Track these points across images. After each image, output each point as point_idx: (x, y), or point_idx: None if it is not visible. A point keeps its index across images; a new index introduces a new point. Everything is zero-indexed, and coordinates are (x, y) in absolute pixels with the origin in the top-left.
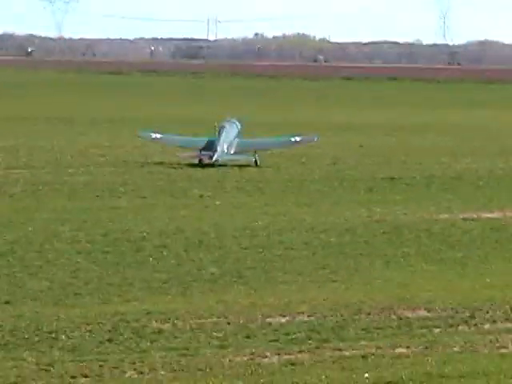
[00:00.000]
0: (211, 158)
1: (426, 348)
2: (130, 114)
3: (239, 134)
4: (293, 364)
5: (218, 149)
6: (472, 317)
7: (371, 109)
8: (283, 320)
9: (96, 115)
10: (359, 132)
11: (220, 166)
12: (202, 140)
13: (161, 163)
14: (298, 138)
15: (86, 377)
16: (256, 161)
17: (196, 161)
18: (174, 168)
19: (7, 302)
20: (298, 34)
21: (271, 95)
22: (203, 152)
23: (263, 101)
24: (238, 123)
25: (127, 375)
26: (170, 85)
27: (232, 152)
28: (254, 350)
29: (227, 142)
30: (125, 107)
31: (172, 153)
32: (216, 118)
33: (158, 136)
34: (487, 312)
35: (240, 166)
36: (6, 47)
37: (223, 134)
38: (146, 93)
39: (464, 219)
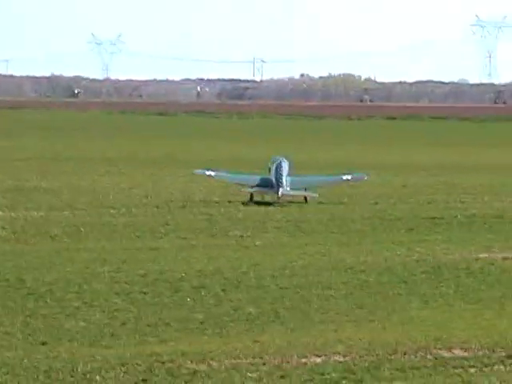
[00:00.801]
0: (277, 193)
1: None
2: (174, 154)
3: (290, 172)
4: None
5: (283, 185)
6: (509, 356)
7: (415, 148)
8: (318, 360)
9: (140, 156)
10: (402, 171)
11: (263, 204)
12: (255, 177)
13: (203, 204)
14: (348, 177)
15: None
16: (306, 198)
17: (248, 197)
18: (216, 209)
19: (43, 343)
20: (344, 73)
21: (317, 135)
22: (262, 189)
23: (308, 141)
24: (286, 161)
25: None
26: (216, 125)
27: (288, 189)
28: None
29: (286, 179)
30: (169, 148)
31: (214, 193)
32: (262, 157)
33: (213, 173)
34: None
35: (282, 205)
36: (53, 89)
37: (282, 171)
38: (192, 133)
39: (504, 258)
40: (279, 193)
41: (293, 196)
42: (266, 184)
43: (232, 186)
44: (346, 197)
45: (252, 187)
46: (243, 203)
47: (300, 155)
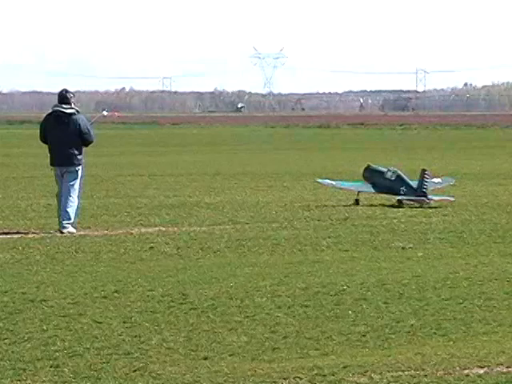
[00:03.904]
0: (426, 199)
1: None
2: (336, 166)
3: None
4: None
5: (424, 191)
6: None
7: None
8: (481, 371)
9: (302, 169)
10: None
11: (424, 215)
12: (368, 185)
13: (365, 216)
14: (439, 180)
15: None
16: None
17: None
18: (378, 221)
19: (205, 358)
20: (508, 82)
21: (479, 145)
22: (404, 197)
23: (468, 151)
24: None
25: None
26: (379, 137)
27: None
28: None
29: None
30: (333, 160)
31: (375, 206)
32: (415, 168)
33: (333, 182)
34: None
35: (443, 216)
36: (216, 104)
37: (405, 178)
38: (354, 146)
39: None
40: (428, 199)
41: (435, 200)
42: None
43: (392, 199)
44: (509, 206)
45: (402, 195)
46: (403, 214)
47: (457, 166)
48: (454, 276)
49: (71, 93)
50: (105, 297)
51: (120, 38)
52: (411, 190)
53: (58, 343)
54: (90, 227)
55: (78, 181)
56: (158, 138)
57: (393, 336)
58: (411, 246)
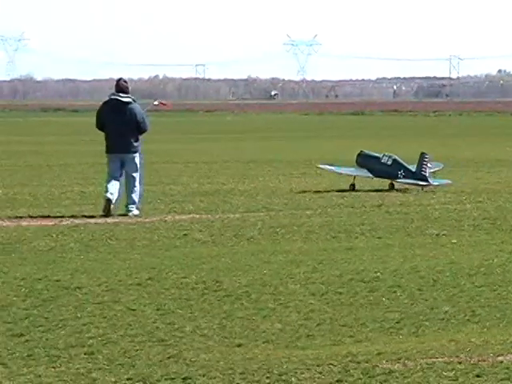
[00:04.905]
0: (427, 184)
1: None
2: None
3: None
4: None
5: (424, 174)
6: None
7: None
8: None
9: (335, 156)
10: None
11: (457, 202)
12: (364, 170)
13: (399, 203)
14: (429, 165)
15: None
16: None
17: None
18: (412, 208)
19: (239, 345)
20: None
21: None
22: (403, 180)
23: (503, 137)
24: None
25: None
26: (412, 124)
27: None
28: None
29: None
30: (365, 147)
31: (409, 192)
32: (449, 155)
33: (333, 168)
34: None
35: (477, 203)
36: (250, 91)
37: (402, 162)
38: (388, 133)
39: None
40: (428, 183)
41: (434, 186)
42: (391, 174)
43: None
44: None
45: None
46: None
47: (492, 151)
48: (488, 263)
49: (127, 82)
50: (139, 284)
51: (153, 25)
52: (410, 174)
53: (92, 330)
54: (124, 215)
55: (137, 168)
56: (192, 126)
57: (427, 323)
58: (445, 232)
